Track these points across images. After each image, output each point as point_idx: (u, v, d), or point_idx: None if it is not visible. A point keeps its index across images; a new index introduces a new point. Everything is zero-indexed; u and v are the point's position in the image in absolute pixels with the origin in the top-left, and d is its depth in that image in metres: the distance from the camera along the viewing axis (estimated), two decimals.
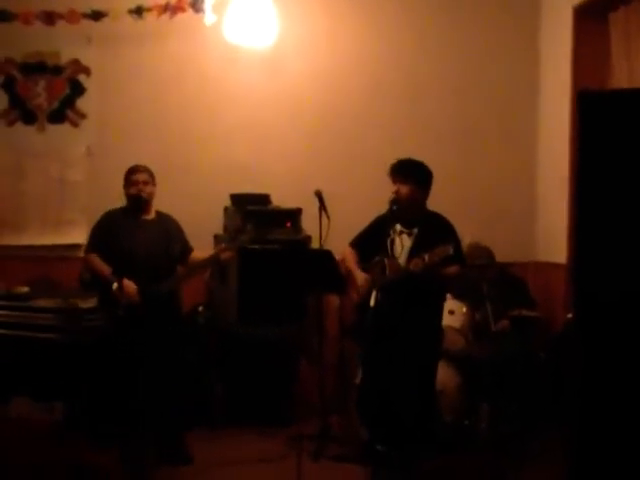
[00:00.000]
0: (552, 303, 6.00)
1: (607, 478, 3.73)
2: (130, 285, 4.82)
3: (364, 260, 4.87)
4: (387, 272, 4.60)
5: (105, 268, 4.88)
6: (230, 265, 5.44)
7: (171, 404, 4.93)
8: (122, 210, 5.03)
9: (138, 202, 4.97)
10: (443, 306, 4.98)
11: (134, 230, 4.93)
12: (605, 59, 5.71)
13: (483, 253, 5.70)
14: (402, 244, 4.71)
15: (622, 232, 3.74)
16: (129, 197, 4.99)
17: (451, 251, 4.36)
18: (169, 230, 5.07)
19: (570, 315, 4.74)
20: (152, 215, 5.05)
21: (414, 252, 4.61)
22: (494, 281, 5.70)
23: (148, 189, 4.97)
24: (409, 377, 4.62)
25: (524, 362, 5.40)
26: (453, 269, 4.60)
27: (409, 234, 4.72)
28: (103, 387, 5.06)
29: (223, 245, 5.09)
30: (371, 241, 4.83)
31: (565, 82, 5.90)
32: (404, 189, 4.67)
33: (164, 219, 5.09)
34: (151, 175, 5.01)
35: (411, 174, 4.69)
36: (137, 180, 4.95)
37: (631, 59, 5.37)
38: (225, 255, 4.99)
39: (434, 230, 4.66)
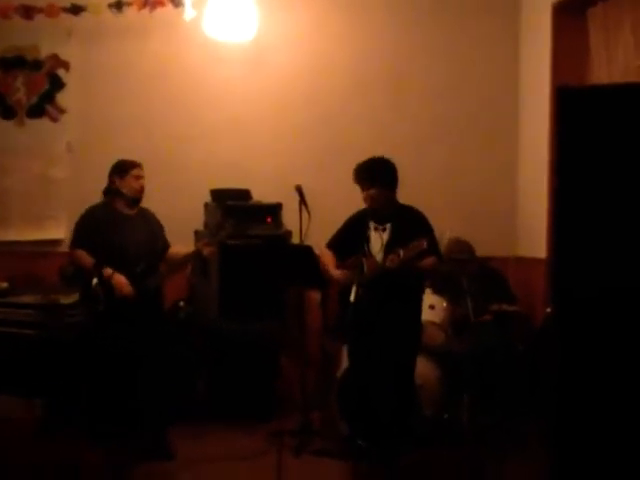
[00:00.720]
0: (532, 297, 6.04)
1: (587, 470, 3.76)
2: (122, 278, 4.79)
3: (341, 259, 4.87)
4: (365, 270, 4.62)
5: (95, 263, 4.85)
6: (211, 260, 5.43)
7: (155, 400, 4.92)
8: (104, 205, 5.00)
9: (139, 197, 4.98)
10: (422, 300, 4.99)
11: (122, 225, 4.91)
12: (584, 55, 5.74)
13: (463, 248, 5.73)
14: (378, 240, 4.72)
15: (600, 228, 3.76)
16: (129, 191, 4.95)
17: (425, 245, 4.37)
18: (152, 225, 5.07)
19: (549, 309, 4.79)
20: (134, 210, 5.03)
21: (391, 247, 4.63)
22: (474, 276, 5.73)
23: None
24: (388, 372, 4.64)
25: (504, 356, 5.43)
26: (429, 261, 4.62)
27: (383, 229, 4.74)
28: (85, 383, 5.06)
29: (205, 240, 5.08)
30: (347, 241, 4.85)
31: (544, 78, 5.93)
32: (374, 192, 4.69)
33: (146, 214, 5.08)
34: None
35: (376, 177, 4.70)
36: (139, 175, 4.96)
37: (610, 54, 5.40)
38: (207, 251, 4.99)
39: (407, 223, 4.68)
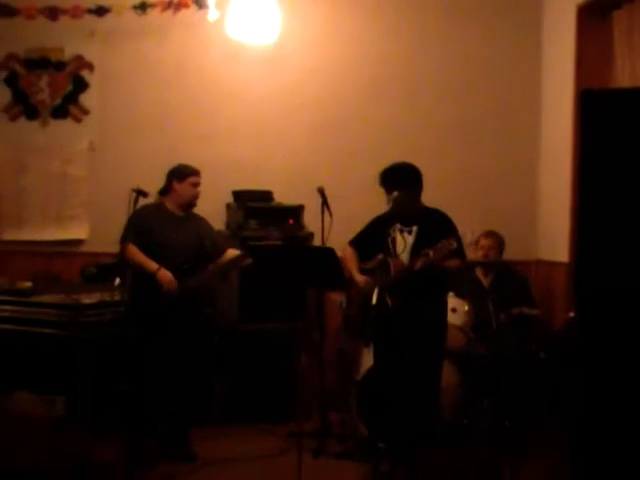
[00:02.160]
0: (553, 301, 6.01)
1: (607, 474, 3.74)
2: (168, 274, 4.84)
3: (364, 259, 4.87)
4: (391, 271, 4.61)
5: (146, 257, 4.89)
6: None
7: (177, 401, 4.95)
8: (156, 205, 5.05)
9: (193, 203, 5.07)
10: (447, 302, 4.97)
11: (170, 225, 4.98)
12: (608, 58, 5.70)
13: (498, 240, 5.79)
14: (404, 242, 4.71)
15: (624, 231, 3.74)
16: (184, 196, 5.02)
17: (455, 245, 4.37)
18: (201, 228, 5.13)
19: (571, 314, 4.76)
20: (185, 213, 5.10)
21: (416, 249, 4.62)
22: (496, 278, 5.72)
23: None
24: (412, 375, 4.61)
25: (524, 360, 5.41)
26: (454, 262, 4.61)
27: (409, 232, 4.73)
28: (107, 383, 5.09)
29: (243, 253, 5.13)
30: (371, 240, 4.84)
31: (568, 81, 5.89)
32: (398, 196, 4.68)
33: (196, 217, 5.16)
34: None
35: (401, 181, 4.69)
36: (196, 182, 5.04)
37: (634, 58, 5.36)
38: (246, 262, 5.10)
39: (434, 226, 4.67)
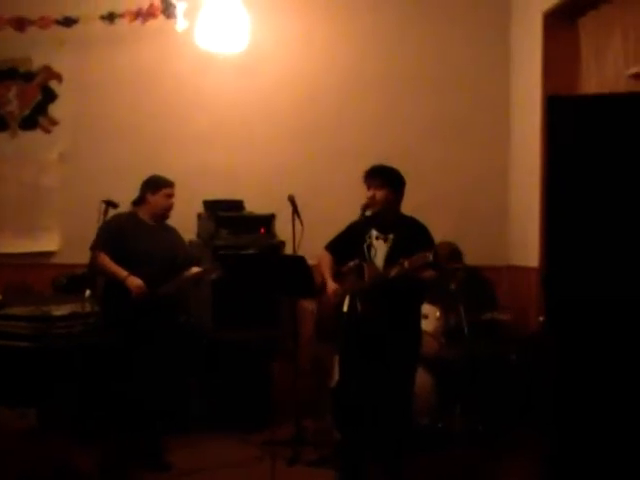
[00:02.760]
0: (525, 306, 6.05)
1: (581, 475, 3.78)
2: (137, 280, 4.83)
3: (340, 264, 4.86)
4: (365, 277, 4.60)
5: (115, 265, 4.88)
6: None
7: (150, 409, 4.93)
8: (129, 214, 5.06)
9: (165, 215, 5.08)
10: (421, 309, 4.98)
11: (143, 234, 4.99)
12: (575, 63, 5.77)
13: (453, 251, 5.75)
14: (379, 249, 4.70)
15: (591, 235, 3.79)
16: (157, 207, 5.03)
17: (431, 258, 4.34)
18: (173, 238, 5.16)
19: (542, 318, 4.80)
20: (156, 223, 5.10)
21: (391, 257, 4.59)
22: (464, 283, 5.75)
23: None
24: (389, 381, 4.61)
25: (496, 364, 5.44)
26: (429, 274, 4.59)
27: (385, 239, 4.70)
28: (79, 393, 5.07)
29: (210, 266, 5.20)
30: (347, 245, 4.81)
31: (536, 85, 5.95)
32: (380, 194, 4.66)
33: (168, 227, 5.17)
34: None
35: (387, 179, 4.69)
36: (170, 194, 5.05)
37: (600, 63, 5.43)
38: (214, 276, 5.18)
39: (410, 235, 4.64)
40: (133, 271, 4.85)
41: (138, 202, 5.06)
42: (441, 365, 5.37)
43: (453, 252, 5.78)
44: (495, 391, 5.39)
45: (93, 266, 4.86)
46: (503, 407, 5.38)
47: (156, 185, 5.03)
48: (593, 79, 5.51)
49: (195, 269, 5.12)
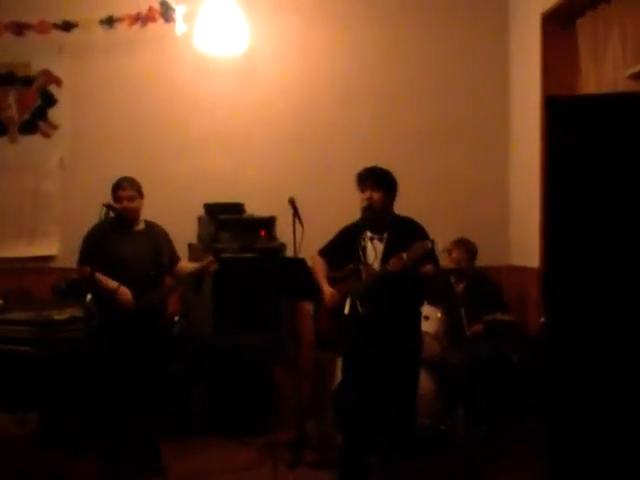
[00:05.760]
0: (526, 307, 6.06)
1: (583, 477, 3.78)
2: (128, 292, 4.81)
3: (335, 268, 4.85)
4: (363, 278, 4.60)
5: (105, 278, 4.84)
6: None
7: (147, 415, 4.92)
8: (112, 221, 4.95)
9: (123, 218, 4.93)
10: (421, 311, 4.97)
11: (124, 241, 4.92)
12: (574, 64, 5.78)
13: (470, 247, 5.85)
14: (374, 250, 4.70)
15: (591, 235, 3.79)
16: (119, 211, 4.94)
17: (430, 245, 4.34)
18: (158, 240, 5.06)
19: (542, 319, 4.80)
20: (141, 226, 5.04)
21: (387, 256, 4.60)
22: (468, 285, 5.76)
23: (134, 204, 4.94)
24: (392, 383, 4.60)
25: (498, 366, 5.44)
26: (429, 268, 4.59)
27: (380, 239, 4.71)
28: (78, 398, 5.07)
29: (210, 257, 5.10)
30: (341, 249, 4.81)
31: (535, 87, 5.97)
32: (376, 195, 4.67)
33: (153, 229, 5.09)
34: (136, 188, 4.97)
35: (381, 181, 4.69)
36: (121, 196, 4.91)
37: (599, 64, 5.44)
38: (213, 267, 5.03)
39: (405, 233, 4.64)
40: (118, 277, 4.80)
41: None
42: (443, 367, 5.36)
43: (472, 251, 5.83)
44: (497, 393, 5.38)
45: (85, 279, 4.87)
46: (506, 409, 5.38)
47: (113, 188, 4.94)
48: (592, 80, 5.52)
49: (185, 264, 5.11)
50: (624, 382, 3.71)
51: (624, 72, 5.01)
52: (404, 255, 4.37)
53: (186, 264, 5.19)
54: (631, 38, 5.02)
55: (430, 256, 4.50)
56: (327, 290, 4.72)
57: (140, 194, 5.00)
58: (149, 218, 5.18)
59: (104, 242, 4.88)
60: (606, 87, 5.28)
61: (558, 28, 5.84)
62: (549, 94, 5.41)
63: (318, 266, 4.85)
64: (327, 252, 4.88)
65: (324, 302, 4.74)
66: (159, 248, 5.03)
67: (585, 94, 5.48)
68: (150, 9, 5.99)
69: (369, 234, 4.71)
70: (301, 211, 5.15)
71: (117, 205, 4.89)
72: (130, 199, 4.92)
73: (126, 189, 4.93)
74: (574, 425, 3.80)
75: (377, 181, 4.66)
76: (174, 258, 5.14)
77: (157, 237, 5.07)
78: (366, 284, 4.54)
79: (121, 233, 4.94)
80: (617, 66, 5.17)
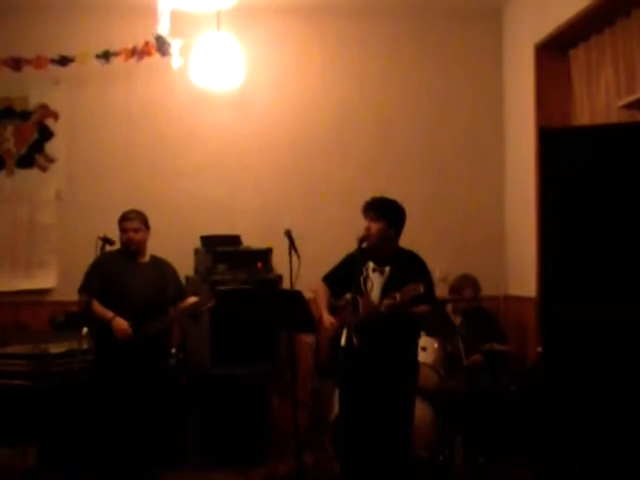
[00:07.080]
0: (524, 336, 6.04)
1: None
2: (123, 322, 4.82)
3: (337, 296, 4.86)
4: (360, 310, 4.60)
5: (101, 307, 4.88)
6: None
7: (147, 447, 4.91)
8: (118, 252, 5.05)
9: (128, 249, 5.01)
10: (418, 343, 4.97)
11: (127, 271, 4.97)
12: (567, 95, 5.82)
13: (473, 284, 5.88)
14: (375, 282, 4.70)
15: (586, 264, 3.80)
16: (121, 242, 5.02)
17: (422, 289, 4.34)
18: (164, 274, 5.11)
19: (540, 349, 4.79)
20: (146, 258, 5.09)
21: (387, 290, 4.60)
22: (466, 315, 5.77)
23: (138, 236, 5.01)
24: (387, 415, 4.59)
25: (496, 396, 5.43)
26: (422, 308, 4.59)
27: (381, 272, 4.71)
28: (76, 430, 5.06)
29: (207, 297, 5.14)
30: (343, 277, 4.81)
31: (529, 117, 5.99)
32: (375, 226, 4.67)
33: (158, 263, 5.14)
34: (142, 221, 5.05)
35: (384, 212, 4.68)
36: (127, 228, 4.99)
37: (592, 94, 5.47)
38: (210, 304, 5.08)
39: (406, 268, 4.64)
40: (119, 310, 4.84)
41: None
42: (441, 397, 5.35)
43: (476, 286, 5.86)
44: (496, 423, 5.36)
45: (82, 309, 4.89)
46: (504, 439, 5.36)
47: (119, 220, 5.03)
48: (585, 110, 5.55)
49: (191, 299, 5.13)
50: (622, 411, 3.71)
51: (617, 102, 5.04)
52: (397, 296, 4.38)
53: (191, 299, 5.19)
54: (623, 69, 5.06)
55: (425, 297, 4.48)
56: (326, 319, 4.71)
57: (146, 226, 5.07)
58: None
59: (108, 272, 4.95)
60: (599, 117, 5.31)
61: (551, 59, 5.87)
62: (543, 126, 5.45)
63: (320, 293, 4.85)
64: (331, 279, 4.88)
65: (322, 330, 4.75)
66: (163, 280, 5.08)
67: (578, 125, 5.52)
68: (146, 44, 6.01)
69: (372, 265, 4.71)
70: (297, 240, 5.17)
71: (123, 237, 4.97)
72: (135, 231, 4.99)
73: (132, 220, 5.01)
74: (571, 455, 3.80)
75: (379, 212, 4.66)
76: (180, 293, 5.17)
77: (163, 270, 5.13)
78: (361, 317, 4.54)
79: (125, 264, 5.00)
80: (610, 96, 5.21)
